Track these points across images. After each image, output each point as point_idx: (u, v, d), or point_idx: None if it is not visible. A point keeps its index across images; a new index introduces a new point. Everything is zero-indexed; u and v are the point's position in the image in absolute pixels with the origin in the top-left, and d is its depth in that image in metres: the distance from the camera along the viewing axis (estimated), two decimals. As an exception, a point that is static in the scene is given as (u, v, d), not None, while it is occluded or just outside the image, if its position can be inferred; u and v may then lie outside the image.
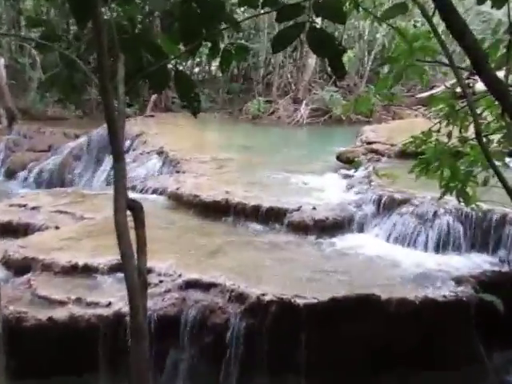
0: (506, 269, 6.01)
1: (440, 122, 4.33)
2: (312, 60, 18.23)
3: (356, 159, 9.88)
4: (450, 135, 4.51)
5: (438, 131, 4.51)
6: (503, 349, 5.77)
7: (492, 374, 5.89)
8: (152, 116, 15.67)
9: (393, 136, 10.70)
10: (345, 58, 2.24)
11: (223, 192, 7.91)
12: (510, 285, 5.68)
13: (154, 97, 16.75)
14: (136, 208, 2.19)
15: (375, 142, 10.26)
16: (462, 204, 4.57)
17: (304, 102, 17.90)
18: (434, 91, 20.36)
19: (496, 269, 5.98)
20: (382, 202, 7.19)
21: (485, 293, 5.30)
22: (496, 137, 4.31)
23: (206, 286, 5.49)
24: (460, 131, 4.41)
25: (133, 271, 2.10)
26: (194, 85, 2.65)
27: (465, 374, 5.70)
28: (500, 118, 3.53)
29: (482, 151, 2.70)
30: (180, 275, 5.63)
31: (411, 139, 4.76)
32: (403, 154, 9.12)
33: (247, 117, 17.66)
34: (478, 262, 6.18)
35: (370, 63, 19.22)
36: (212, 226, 7.30)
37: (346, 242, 6.79)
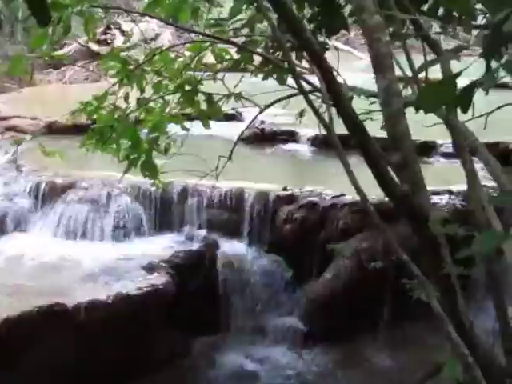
0: (195, 246, 6.66)
1: (119, 84, 4.52)
2: None
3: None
4: (126, 98, 4.73)
5: (114, 94, 4.70)
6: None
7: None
8: None
9: (33, 108, 10.60)
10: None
11: None
12: (207, 262, 6.36)
13: None
14: None
15: (12, 117, 10.01)
16: (142, 179, 4.79)
17: None
18: (66, 50, 20.67)
19: (186, 248, 6.58)
20: (41, 190, 7.17)
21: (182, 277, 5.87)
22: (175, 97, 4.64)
23: None
24: (141, 92, 4.67)
25: None
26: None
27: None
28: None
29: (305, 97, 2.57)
30: None
31: (81, 106, 4.82)
32: (53, 130, 9.20)
33: None
34: (166, 244, 6.71)
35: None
36: None
37: (4, 245, 6.59)
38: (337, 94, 2.18)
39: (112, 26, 21.66)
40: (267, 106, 4.15)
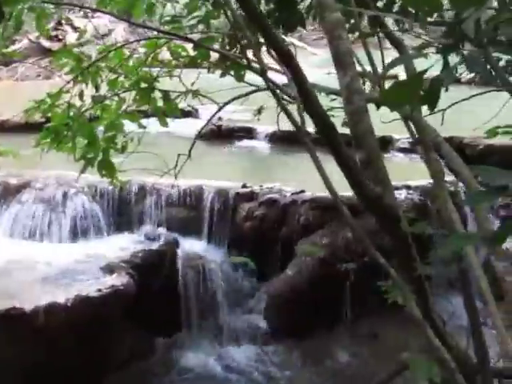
0: (155, 245, 6.58)
1: (73, 81, 4.43)
2: None
3: None
4: (81, 95, 4.63)
5: (68, 92, 4.59)
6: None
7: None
8: None
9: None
10: None
11: None
12: (168, 261, 6.29)
13: None
14: None
15: (-38, 116, 9.78)
16: (99, 178, 4.71)
17: None
18: (17, 46, 20.26)
19: (146, 247, 6.50)
20: (-5, 190, 7.01)
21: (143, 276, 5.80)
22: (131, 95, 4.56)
23: None
24: (96, 90, 4.58)
25: None
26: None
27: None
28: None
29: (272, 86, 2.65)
30: None
31: (35, 104, 4.70)
32: (4, 128, 9.04)
33: None
34: (125, 244, 6.61)
35: None
36: None
37: (-43, 249, 6.40)
38: (305, 92, 2.15)
39: (63, 22, 21.29)
40: (226, 104, 4.11)
